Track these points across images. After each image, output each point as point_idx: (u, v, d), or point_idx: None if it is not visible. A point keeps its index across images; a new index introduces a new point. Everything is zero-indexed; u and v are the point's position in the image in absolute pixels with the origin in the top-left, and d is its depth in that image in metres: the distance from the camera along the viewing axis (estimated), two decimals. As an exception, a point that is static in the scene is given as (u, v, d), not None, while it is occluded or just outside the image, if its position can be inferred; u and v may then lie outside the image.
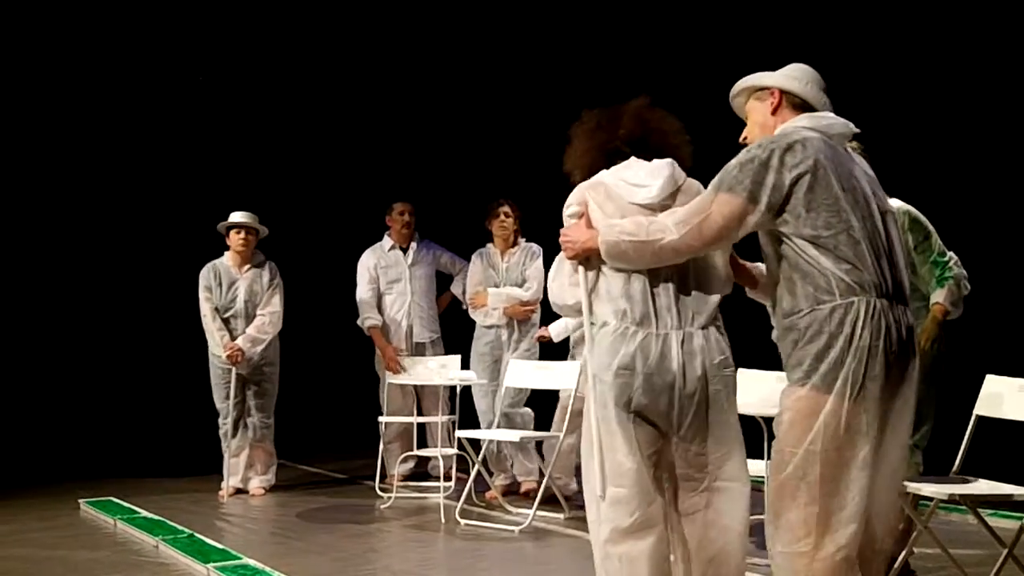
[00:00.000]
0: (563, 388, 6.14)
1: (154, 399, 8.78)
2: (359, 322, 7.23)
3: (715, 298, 3.21)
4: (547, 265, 6.57)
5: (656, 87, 3.50)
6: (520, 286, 6.72)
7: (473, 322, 6.90)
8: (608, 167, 3.36)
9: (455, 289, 7.53)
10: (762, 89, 3.20)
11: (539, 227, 6.82)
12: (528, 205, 6.86)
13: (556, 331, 6.39)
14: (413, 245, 7.39)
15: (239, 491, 6.94)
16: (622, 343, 3.16)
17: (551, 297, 3.44)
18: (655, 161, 3.30)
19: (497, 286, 6.75)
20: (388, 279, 7.29)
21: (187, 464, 7.68)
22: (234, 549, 5.22)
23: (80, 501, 6.56)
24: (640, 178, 3.26)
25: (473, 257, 6.91)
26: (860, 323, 2.88)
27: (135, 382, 8.83)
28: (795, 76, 3.18)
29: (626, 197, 3.24)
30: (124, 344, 8.87)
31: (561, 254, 3.34)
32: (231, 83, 9.07)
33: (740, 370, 4.92)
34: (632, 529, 3.12)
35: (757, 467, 4.50)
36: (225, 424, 6.91)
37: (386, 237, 7.41)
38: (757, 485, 5.44)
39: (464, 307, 7.41)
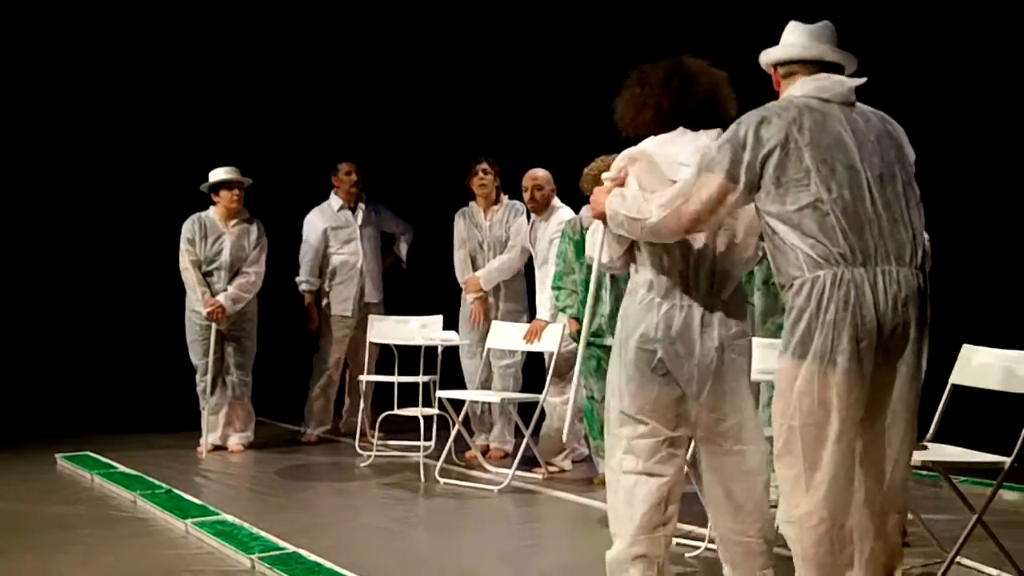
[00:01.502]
0: (546, 350, 6.15)
1: (132, 355, 8.74)
2: (297, 279, 7.26)
3: (738, 272, 3.33)
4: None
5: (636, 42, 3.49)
6: (504, 244, 6.70)
7: (454, 286, 6.88)
8: (656, 133, 3.37)
9: (398, 249, 7.63)
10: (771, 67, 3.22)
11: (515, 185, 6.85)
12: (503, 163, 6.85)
13: (547, 315, 6.19)
14: (361, 205, 7.39)
15: (217, 448, 6.94)
16: (647, 313, 3.30)
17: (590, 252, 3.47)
18: (701, 134, 3.30)
19: (481, 245, 6.74)
20: (340, 240, 7.29)
21: (165, 420, 7.68)
22: (212, 505, 5.22)
23: (57, 456, 6.55)
24: (684, 156, 3.26)
25: (456, 216, 6.86)
26: (825, 296, 2.88)
27: (113, 338, 8.78)
28: (782, 43, 3.16)
29: (667, 174, 3.25)
30: (102, 300, 8.81)
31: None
32: (186, 41, 8.85)
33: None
34: (638, 471, 3.32)
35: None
36: (203, 381, 6.89)
37: (333, 197, 7.38)
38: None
39: (404, 267, 7.62)
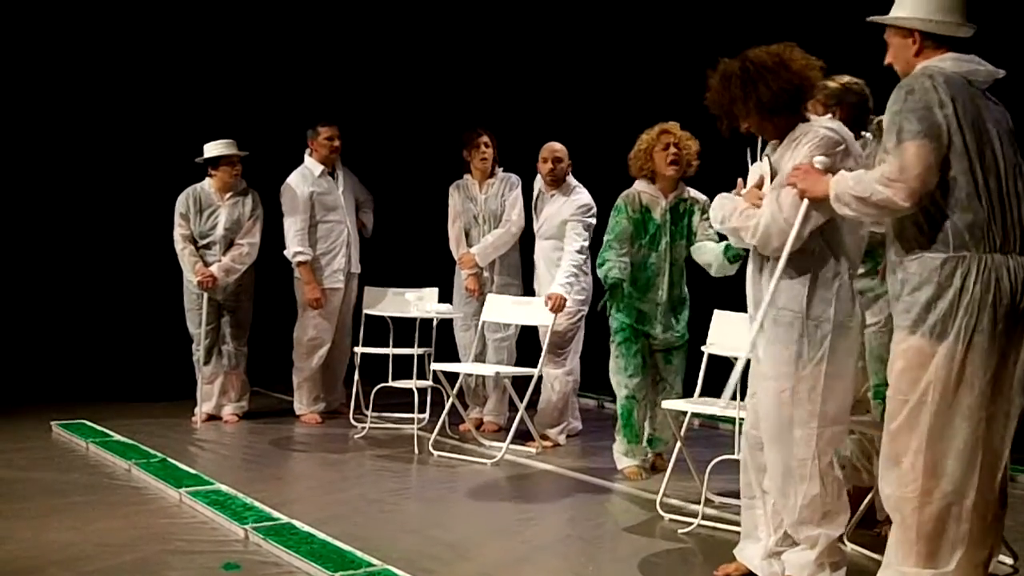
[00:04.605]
0: (540, 324, 6.15)
1: (128, 323, 8.73)
2: (287, 253, 6.87)
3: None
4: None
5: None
6: (499, 217, 6.65)
7: (447, 257, 6.84)
8: (778, 118, 3.46)
9: (364, 218, 7.29)
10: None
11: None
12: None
13: (563, 290, 6.01)
14: (339, 171, 7.08)
15: (212, 417, 6.95)
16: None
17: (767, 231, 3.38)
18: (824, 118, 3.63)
19: (476, 218, 6.69)
20: (325, 206, 6.92)
21: (160, 389, 7.67)
22: (206, 474, 5.23)
23: (53, 424, 6.55)
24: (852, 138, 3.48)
25: (450, 189, 6.78)
26: (972, 278, 2.98)
27: (109, 305, 8.77)
28: (932, 11, 3.14)
29: (855, 153, 3.43)
30: (99, 267, 8.79)
31: (788, 190, 3.34)
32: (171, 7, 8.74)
33: (716, 312, 4.99)
34: None
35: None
36: (198, 350, 6.89)
37: (310, 160, 6.96)
38: (720, 423, 5.49)
39: (367, 236, 7.29)
